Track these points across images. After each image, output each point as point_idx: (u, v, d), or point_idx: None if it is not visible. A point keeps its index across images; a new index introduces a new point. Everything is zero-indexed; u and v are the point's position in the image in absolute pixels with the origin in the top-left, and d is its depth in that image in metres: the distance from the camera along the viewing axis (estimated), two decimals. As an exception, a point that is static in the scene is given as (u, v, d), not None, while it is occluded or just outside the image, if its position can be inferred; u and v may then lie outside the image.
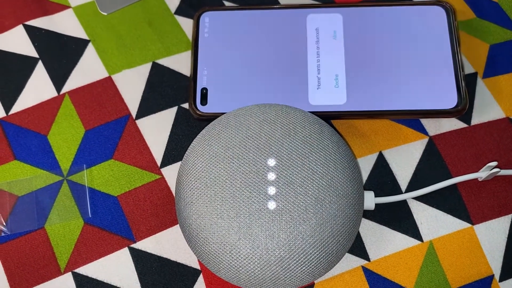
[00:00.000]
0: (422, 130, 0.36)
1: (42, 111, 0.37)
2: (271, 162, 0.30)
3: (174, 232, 0.34)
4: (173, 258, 0.33)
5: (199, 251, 0.30)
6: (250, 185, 0.29)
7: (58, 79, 0.37)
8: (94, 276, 0.33)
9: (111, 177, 0.35)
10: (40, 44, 0.38)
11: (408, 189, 0.34)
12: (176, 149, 0.35)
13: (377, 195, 0.34)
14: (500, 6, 0.39)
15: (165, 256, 0.33)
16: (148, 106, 0.37)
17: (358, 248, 0.33)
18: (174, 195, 0.35)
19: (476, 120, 0.36)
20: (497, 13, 0.39)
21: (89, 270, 0.33)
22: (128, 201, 0.34)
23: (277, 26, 0.37)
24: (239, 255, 0.29)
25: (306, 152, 0.30)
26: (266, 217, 0.29)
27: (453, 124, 0.36)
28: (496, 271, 0.33)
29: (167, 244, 0.33)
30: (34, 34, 0.39)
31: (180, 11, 0.39)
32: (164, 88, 0.37)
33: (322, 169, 0.30)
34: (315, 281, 0.33)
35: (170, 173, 0.35)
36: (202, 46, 0.37)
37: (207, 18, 0.38)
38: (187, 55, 0.38)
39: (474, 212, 0.34)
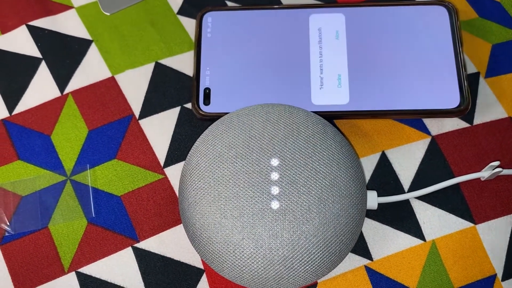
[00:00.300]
0: (425, 129, 0.36)
1: (45, 111, 0.37)
2: (274, 162, 0.30)
3: (177, 232, 0.34)
4: (176, 257, 0.33)
5: (203, 250, 0.30)
6: (254, 185, 0.29)
7: (61, 79, 0.37)
8: (97, 276, 0.33)
9: (114, 177, 0.35)
10: (43, 44, 0.38)
11: (411, 189, 0.34)
12: (179, 149, 0.36)
13: (379, 194, 0.34)
14: (502, 5, 0.39)
15: (168, 255, 0.33)
16: (151, 106, 0.37)
17: (361, 248, 0.33)
18: (177, 195, 0.35)
19: (478, 119, 0.36)
20: (499, 13, 0.39)
21: (92, 269, 0.33)
22: (132, 201, 0.34)
23: (280, 26, 0.37)
24: (243, 255, 0.29)
25: (309, 152, 0.30)
26: (270, 217, 0.29)
27: (456, 123, 0.36)
28: (499, 271, 0.33)
29: (170, 243, 0.33)
30: (37, 34, 0.39)
31: (182, 11, 0.39)
32: (167, 88, 0.37)
33: (325, 168, 0.30)
34: (318, 281, 0.33)
35: (173, 173, 0.35)
36: (205, 46, 0.37)
37: (209, 18, 0.38)
38: (190, 55, 0.38)
39: (476, 211, 0.34)
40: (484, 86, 0.37)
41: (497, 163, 0.33)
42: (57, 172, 0.35)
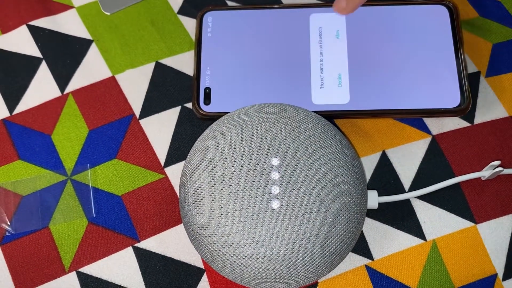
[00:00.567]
0: (425, 129, 0.36)
1: (46, 111, 0.37)
2: (275, 161, 0.30)
3: (178, 231, 0.34)
4: (177, 257, 0.33)
5: (203, 250, 0.30)
6: (254, 184, 0.29)
7: (62, 79, 0.37)
8: (98, 275, 0.33)
9: (115, 177, 0.35)
10: (43, 44, 0.38)
11: (411, 188, 0.34)
12: (179, 149, 0.36)
13: (380, 194, 0.34)
14: (503, 5, 0.39)
15: (169, 255, 0.33)
16: (152, 105, 0.37)
17: (361, 247, 0.33)
18: (178, 194, 0.35)
19: (479, 119, 0.36)
20: (500, 12, 0.39)
21: (93, 269, 0.33)
22: (132, 201, 0.34)
23: (280, 26, 0.37)
24: (243, 254, 0.29)
25: (310, 151, 0.30)
26: (270, 216, 0.29)
27: (456, 123, 0.36)
28: (500, 270, 0.33)
29: (171, 243, 0.33)
30: (38, 34, 0.39)
31: (183, 10, 0.39)
32: (168, 88, 0.37)
33: (326, 168, 0.30)
34: (319, 280, 0.33)
35: (174, 172, 0.35)
36: (205, 46, 0.37)
37: (210, 18, 0.38)
38: (190, 55, 0.38)
39: (477, 211, 0.34)
40: (484, 86, 0.37)
41: (497, 162, 0.33)
42: (58, 171, 0.35)
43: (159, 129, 0.36)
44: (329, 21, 0.37)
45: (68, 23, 0.39)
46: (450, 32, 0.36)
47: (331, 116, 0.35)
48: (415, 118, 0.36)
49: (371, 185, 0.35)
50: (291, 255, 0.29)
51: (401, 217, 0.34)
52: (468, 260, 0.33)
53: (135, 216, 0.34)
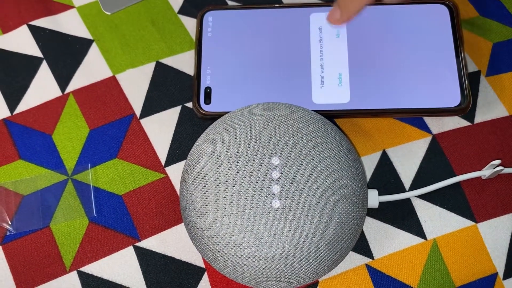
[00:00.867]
0: (426, 128, 0.36)
1: (46, 111, 0.37)
2: (275, 160, 0.30)
3: (178, 231, 0.34)
4: (177, 256, 0.33)
5: (204, 249, 0.30)
6: (255, 184, 0.29)
7: (63, 79, 0.37)
8: (99, 275, 0.33)
9: (115, 176, 0.35)
10: (44, 44, 0.38)
11: (412, 187, 0.34)
12: (180, 148, 0.36)
13: (380, 193, 0.34)
14: (503, 4, 0.39)
15: (169, 254, 0.33)
16: (152, 105, 0.37)
17: (362, 246, 0.33)
18: (178, 194, 0.35)
19: (479, 118, 0.36)
20: (500, 11, 0.39)
21: (94, 268, 0.33)
22: (133, 200, 0.34)
23: (280, 25, 0.37)
24: (244, 253, 0.29)
25: (310, 150, 0.30)
26: (271, 216, 0.29)
27: (457, 122, 0.36)
28: (500, 269, 0.33)
29: (171, 242, 0.33)
30: (38, 34, 0.39)
31: (183, 10, 0.39)
32: (168, 88, 0.37)
33: (326, 167, 0.30)
34: (319, 279, 0.33)
35: (175, 172, 0.35)
36: (206, 45, 0.37)
37: (210, 17, 0.38)
38: (190, 55, 0.38)
39: (477, 210, 0.34)
40: (485, 85, 0.37)
41: (498, 161, 0.33)
42: (59, 171, 0.35)
43: (160, 129, 0.36)
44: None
45: (68, 23, 0.39)
46: (450, 31, 0.36)
47: (331, 115, 0.35)
48: (415, 118, 0.36)
49: (371, 184, 0.35)
50: (292, 254, 0.29)
51: (402, 216, 0.34)
52: (469, 259, 0.33)
53: (136, 216, 0.34)
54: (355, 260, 0.33)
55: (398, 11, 0.37)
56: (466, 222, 0.34)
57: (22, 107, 0.37)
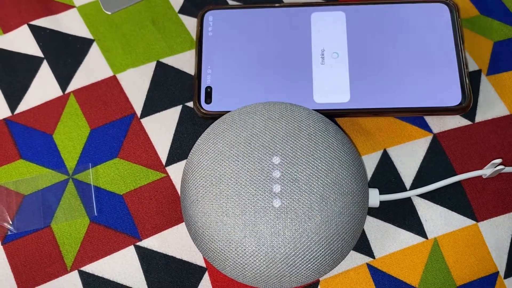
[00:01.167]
0: (426, 127, 0.36)
1: (47, 110, 0.37)
2: (276, 160, 0.30)
3: (179, 230, 0.34)
4: (178, 256, 0.33)
5: (205, 248, 0.30)
6: (255, 183, 0.29)
7: (63, 79, 0.37)
8: (100, 274, 0.33)
9: (116, 176, 0.35)
10: (44, 43, 0.38)
11: (413, 187, 0.34)
12: (181, 148, 0.36)
13: (381, 192, 0.34)
14: (503, 3, 0.39)
15: (170, 254, 0.33)
16: (153, 105, 0.37)
17: (363, 246, 0.33)
18: (179, 193, 0.35)
19: (480, 117, 0.36)
20: (500, 10, 0.39)
21: (95, 268, 0.33)
22: (134, 200, 0.34)
23: (281, 25, 0.37)
24: (245, 253, 0.29)
25: (311, 149, 0.30)
26: (271, 215, 0.29)
27: (457, 121, 0.36)
28: (501, 268, 0.33)
29: (172, 242, 0.33)
30: (39, 33, 0.39)
31: (184, 10, 0.39)
32: (169, 87, 0.37)
33: (327, 166, 0.30)
34: (320, 278, 0.33)
35: (175, 171, 0.35)
36: (206, 45, 0.37)
37: (211, 17, 0.38)
38: (191, 54, 0.38)
39: (478, 209, 0.34)
40: (485, 84, 0.37)
41: (499, 160, 0.33)
42: (59, 171, 0.35)
43: (161, 128, 0.36)
44: (330, 20, 0.37)
45: (69, 23, 0.39)
46: (451, 30, 0.36)
47: (332, 114, 0.35)
48: (416, 117, 0.36)
49: (372, 184, 0.35)
50: (293, 253, 0.29)
51: (403, 216, 0.34)
52: (470, 258, 0.33)
53: (137, 215, 0.34)
54: (356, 259, 0.33)
55: (398, 10, 0.37)
56: (467, 221, 0.34)
57: (22, 106, 0.37)
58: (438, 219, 0.34)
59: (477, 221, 0.34)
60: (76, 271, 0.33)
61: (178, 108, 0.36)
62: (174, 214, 0.34)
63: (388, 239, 0.33)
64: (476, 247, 0.33)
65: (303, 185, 0.29)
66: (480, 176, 0.34)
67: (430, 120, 0.36)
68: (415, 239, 0.33)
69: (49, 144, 0.36)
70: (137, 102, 0.37)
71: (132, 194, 0.35)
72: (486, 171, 0.34)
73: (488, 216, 0.34)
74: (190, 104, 0.37)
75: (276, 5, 0.38)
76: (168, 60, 0.38)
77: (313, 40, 0.37)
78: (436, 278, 0.33)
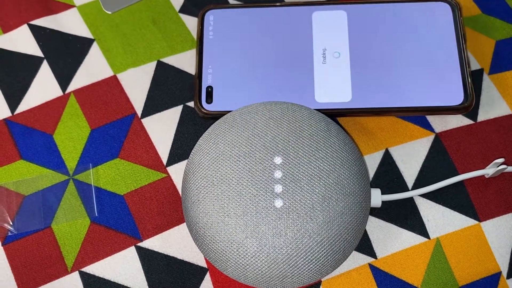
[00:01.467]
0: (428, 127, 0.35)
1: (47, 111, 0.37)
2: (278, 160, 0.29)
3: (180, 231, 0.34)
4: (179, 256, 0.33)
5: (206, 249, 0.30)
6: (257, 183, 0.29)
7: (63, 79, 0.37)
8: (101, 275, 0.33)
9: (117, 176, 0.35)
10: (45, 43, 0.38)
11: (415, 186, 0.34)
12: (182, 148, 0.35)
13: (383, 192, 0.34)
14: (505, 1, 0.39)
15: (172, 254, 0.33)
16: (154, 104, 0.36)
17: (365, 246, 0.33)
18: (180, 193, 0.35)
19: (482, 116, 0.36)
20: (502, 9, 0.38)
21: (96, 269, 0.33)
22: (135, 200, 0.34)
23: (282, 24, 0.37)
24: (246, 253, 0.29)
25: (313, 149, 0.30)
26: (273, 215, 0.29)
27: (460, 121, 0.36)
28: (504, 268, 0.33)
29: (173, 242, 0.33)
30: (39, 33, 0.39)
31: (184, 9, 0.39)
32: (169, 87, 0.37)
33: (329, 166, 0.30)
34: (322, 279, 0.33)
35: (176, 171, 0.35)
36: (207, 44, 0.37)
37: (211, 16, 0.37)
38: (192, 54, 0.38)
39: (481, 209, 0.34)
40: (488, 83, 0.36)
41: (501, 160, 0.33)
42: (60, 171, 0.35)
43: (161, 128, 0.36)
44: (331, 19, 0.37)
45: (69, 22, 0.39)
46: (453, 29, 0.36)
47: (333, 114, 0.35)
48: (418, 116, 0.36)
49: (374, 183, 0.34)
50: (295, 254, 0.29)
51: (405, 216, 0.34)
52: (472, 258, 0.33)
53: (138, 216, 0.34)
54: (358, 259, 0.33)
55: (400, 9, 0.37)
56: (469, 221, 0.33)
57: (23, 107, 0.37)
58: (440, 219, 0.33)
59: (480, 221, 0.34)
60: (77, 272, 0.33)
61: (179, 108, 0.36)
62: (175, 215, 0.34)
63: (390, 239, 0.33)
64: (479, 247, 0.33)
65: (305, 185, 0.29)
66: (483, 176, 0.34)
67: (432, 119, 0.36)
68: (417, 239, 0.33)
69: (49, 144, 0.36)
70: (138, 102, 0.37)
71: (133, 195, 0.34)
72: (489, 171, 0.33)
73: (491, 216, 0.34)
74: (191, 104, 0.37)
75: (277, 4, 0.38)
76: (169, 60, 0.38)
77: (314, 40, 0.36)
78: (438, 279, 0.33)
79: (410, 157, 0.35)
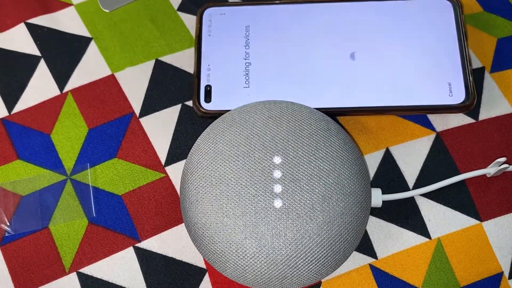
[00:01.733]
0: (429, 126, 0.35)
1: (45, 110, 0.36)
2: (277, 159, 0.29)
3: (179, 231, 0.33)
4: (178, 257, 0.33)
5: (205, 250, 0.30)
6: (256, 183, 0.29)
7: (61, 78, 0.37)
8: (99, 276, 0.33)
9: (115, 176, 0.35)
10: (42, 42, 0.38)
11: (416, 186, 0.34)
12: (180, 147, 0.35)
13: (384, 192, 0.34)
14: (507, -1, 0.39)
15: (170, 255, 0.33)
16: (152, 104, 0.36)
17: (365, 246, 0.33)
18: (178, 193, 0.34)
19: (484, 115, 0.35)
20: (504, 7, 0.38)
21: (94, 270, 0.33)
22: (133, 200, 0.34)
23: (281, 21, 0.37)
24: (245, 254, 0.29)
25: (313, 149, 0.30)
26: (273, 216, 0.28)
27: (461, 119, 0.35)
28: (506, 268, 0.33)
29: (172, 243, 0.33)
30: (36, 32, 0.38)
31: (183, 7, 0.39)
32: (168, 86, 0.37)
33: (329, 166, 0.29)
34: (322, 280, 0.32)
35: (175, 171, 0.35)
36: (206, 43, 0.36)
37: (210, 14, 0.37)
38: (190, 52, 0.38)
39: (482, 208, 0.33)
40: (489, 81, 0.36)
41: (503, 159, 0.32)
42: (57, 171, 0.35)
43: (160, 128, 0.36)
44: (331, 16, 0.37)
45: (66, 21, 0.39)
46: (454, 27, 0.36)
47: (334, 113, 0.35)
48: (419, 115, 0.35)
49: (374, 183, 0.34)
50: (294, 254, 0.28)
51: (405, 215, 0.33)
52: (474, 259, 0.33)
53: (136, 216, 0.34)
54: (358, 260, 0.33)
55: (401, 6, 0.37)
56: (471, 221, 0.33)
57: (20, 106, 0.36)
58: (441, 219, 0.33)
59: (481, 220, 0.33)
60: (75, 272, 0.33)
61: (177, 107, 0.36)
62: (174, 215, 0.34)
63: (391, 239, 0.33)
64: (480, 247, 0.33)
65: (304, 185, 0.29)
66: (484, 175, 0.34)
67: (433, 118, 0.35)
68: (418, 239, 0.33)
69: (46, 144, 0.35)
70: (136, 101, 0.36)
71: (131, 195, 0.34)
72: (490, 170, 0.33)
73: (492, 215, 0.33)
74: (190, 103, 0.36)
75: (275, 2, 0.37)
76: (167, 59, 0.37)
77: (314, 38, 0.36)
78: (439, 279, 0.32)
79: (411, 156, 0.35)
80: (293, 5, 0.37)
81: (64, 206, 0.34)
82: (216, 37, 0.37)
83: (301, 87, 0.35)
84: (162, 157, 0.35)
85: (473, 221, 0.33)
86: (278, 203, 0.29)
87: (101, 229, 0.34)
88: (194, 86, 0.35)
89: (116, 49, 0.38)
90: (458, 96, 0.34)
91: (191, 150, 0.32)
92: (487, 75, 0.36)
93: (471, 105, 0.34)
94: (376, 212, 0.34)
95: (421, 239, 0.33)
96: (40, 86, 0.37)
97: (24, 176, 0.35)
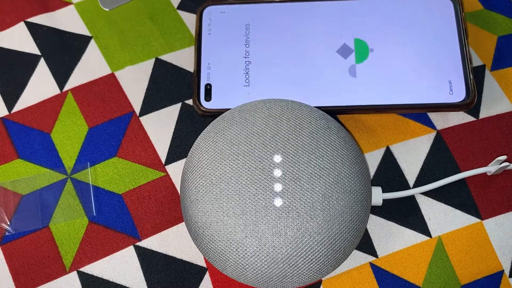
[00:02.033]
0: (430, 124, 0.35)
1: (45, 109, 0.36)
2: (277, 158, 0.29)
3: (179, 230, 0.33)
4: (178, 256, 0.33)
5: (205, 249, 0.30)
6: (256, 182, 0.29)
7: (61, 77, 0.37)
8: (99, 275, 0.33)
9: (115, 175, 0.35)
10: (42, 41, 0.38)
11: (416, 184, 0.34)
12: (180, 146, 0.35)
13: (384, 190, 0.34)
14: (508, -3, 0.38)
15: (170, 254, 0.33)
16: (152, 102, 0.36)
17: (365, 245, 0.33)
18: (179, 192, 0.34)
19: (484, 113, 0.35)
20: (505, 4, 0.38)
21: (94, 268, 0.33)
22: (133, 199, 0.34)
23: (281, 20, 0.37)
24: (246, 253, 0.29)
25: (313, 147, 0.29)
26: (273, 214, 0.28)
27: (461, 117, 0.35)
28: (506, 267, 0.33)
29: (172, 242, 0.33)
30: (36, 31, 0.38)
31: (182, 6, 0.39)
32: (168, 85, 0.37)
33: (329, 165, 0.29)
34: (323, 278, 0.32)
35: (175, 170, 0.35)
36: (206, 41, 0.36)
37: (210, 13, 0.37)
38: (190, 51, 0.37)
39: (483, 207, 0.33)
40: (490, 79, 0.36)
41: (504, 157, 0.32)
42: (58, 170, 0.35)
43: (160, 126, 0.36)
44: (331, 15, 0.37)
45: (66, 20, 0.39)
46: (454, 25, 0.36)
47: (334, 111, 0.35)
48: (419, 113, 0.35)
49: (375, 182, 0.34)
50: (295, 253, 0.28)
51: (406, 214, 0.33)
52: (474, 257, 0.33)
53: (136, 215, 0.34)
54: (359, 258, 0.33)
55: (401, 4, 0.37)
56: (471, 219, 0.33)
57: (20, 105, 0.36)
58: (442, 217, 0.33)
59: (482, 219, 0.33)
60: (75, 271, 0.33)
61: (178, 106, 0.36)
62: (174, 214, 0.34)
63: (391, 238, 0.33)
64: (481, 245, 0.33)
65: (304, 183, 0.29)
66: (485, 173, 0.34)
67: (433, 116, 0.35)
68: (418, 237, 0.33)
69: (47, 143, 0.35)
70: (136, 100, 0.36)
71: (131, 194, 0.34)
72: (491, 168, 0.33)
73: (493, 214, 0.33)
74: (190, 101, 0.36)
75: (276, 0, 0.37)
76: (167, 57, 0.37)
77: (314, 36, 0.36)
78: (440, 277, 0.32)
79: (412, 154, 0.35)
80: (293, 3, 0.37)
81: (64, 205, 0.34)
82: (216, 35, 0.37)
83: (301, 86, 0.35)
84: (162, 156, 0.35)
85: (473, 220, 0.33)
86: (278, 202, 0.29)
87: (102, 228, 0.34)
88: (194, 85, 0.35)
89: (116, 48, 0.38)
90: (459, 94, 0.34)
91: (191, 149, 0.32)
92: (487, 73, 0.36)
93: (471, 103, 0.34)
94: (377, 210, 0.34)
95: (422, 238, 0.33)
96: (40, 85, 0.37)
97: (24, 175, 0.35)
